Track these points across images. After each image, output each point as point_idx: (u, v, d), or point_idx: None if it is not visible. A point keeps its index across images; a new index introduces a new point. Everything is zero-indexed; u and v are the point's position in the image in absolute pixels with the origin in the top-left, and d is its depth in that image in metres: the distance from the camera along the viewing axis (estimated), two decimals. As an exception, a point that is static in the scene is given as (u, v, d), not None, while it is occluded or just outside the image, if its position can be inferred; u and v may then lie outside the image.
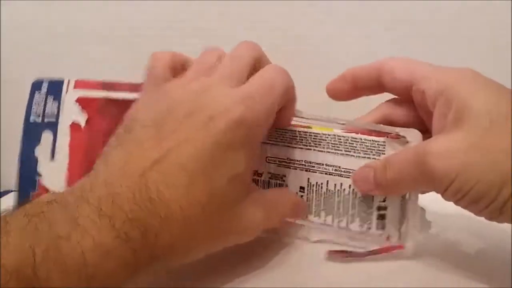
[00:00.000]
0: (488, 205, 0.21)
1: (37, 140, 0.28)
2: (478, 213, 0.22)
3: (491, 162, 0.20)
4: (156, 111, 0.22)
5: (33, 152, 0.28)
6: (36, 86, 0.28)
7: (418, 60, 0.25)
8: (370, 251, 0.25)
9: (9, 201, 0.34)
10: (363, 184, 0.25)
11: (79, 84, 0.28)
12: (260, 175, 0.27)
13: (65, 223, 0.17)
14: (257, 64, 0.24)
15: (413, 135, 0.25)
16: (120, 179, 0.19)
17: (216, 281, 0.23)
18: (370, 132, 0.26)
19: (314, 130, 0.26)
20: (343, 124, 0.26)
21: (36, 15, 0.40)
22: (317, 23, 0.39)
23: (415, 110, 0.26)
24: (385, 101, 0.27)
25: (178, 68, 0.24)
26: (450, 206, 0.22)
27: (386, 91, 0.27)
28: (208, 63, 0.24)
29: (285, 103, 0.24)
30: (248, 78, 0.23)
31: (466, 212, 0.22)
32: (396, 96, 0.27)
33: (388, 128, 0.25)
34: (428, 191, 0.24)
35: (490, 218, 0.21)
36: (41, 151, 0.27)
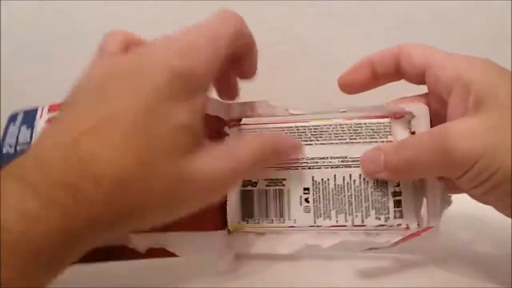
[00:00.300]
0: (500, 198, 0.20)
1: None
2: (495, 201, 0.21)
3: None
4: (98, 75, 0.21)
5: None
6: (12, 118, 0.28)
7: (435, 47, 0.25)
8: (395, 242, 0.24)
9: None
10: (372, 166, 0.24)
11: (53, 108, 0.27)
12: (255, 184, 0.26)
13: None
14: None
15: (419, 109, 0.24)
16: (51, 148, 0.18)
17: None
18: (373, 115, 0.25)
19: (313, 123, 0.25)
20: (344, 111, 0.25)
21: (36, 15, 0.40)
22: (317, 23, 0.39)
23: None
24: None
25: (132, 46, 0.23)
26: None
27: (404, 78, 0.26)
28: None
29: (242, 51, 0.23)
30: None
31: (465, 212, 0.22)
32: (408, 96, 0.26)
33: (392, 106, 0.25)
34: (440, 175, 0.23)
35: (502, 210, 0.21)
36: None
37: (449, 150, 0.21)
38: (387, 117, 0.25)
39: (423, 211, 0.24)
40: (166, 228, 0.23)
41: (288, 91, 0.38)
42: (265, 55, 0.38)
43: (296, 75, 0.40)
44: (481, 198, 0.22)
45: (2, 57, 0.38)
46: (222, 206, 0.26)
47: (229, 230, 0.26)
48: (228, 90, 0.26)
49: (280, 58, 0.39)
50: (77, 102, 0.20)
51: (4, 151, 0.27)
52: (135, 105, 0.19)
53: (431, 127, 0.24)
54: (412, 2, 0.39)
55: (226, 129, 0.27)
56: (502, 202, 0.21)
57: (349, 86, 0.26)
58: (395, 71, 0.25)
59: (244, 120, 0.27)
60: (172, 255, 0.24)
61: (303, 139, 0.26)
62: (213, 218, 0.26)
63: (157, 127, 0.19)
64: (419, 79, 0.25)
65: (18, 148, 0.27)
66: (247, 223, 0.26)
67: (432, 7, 0.39)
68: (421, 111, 0.24)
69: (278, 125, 0.26)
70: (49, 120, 0.27)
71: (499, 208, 0.21)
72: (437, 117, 0.24)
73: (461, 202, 0.24)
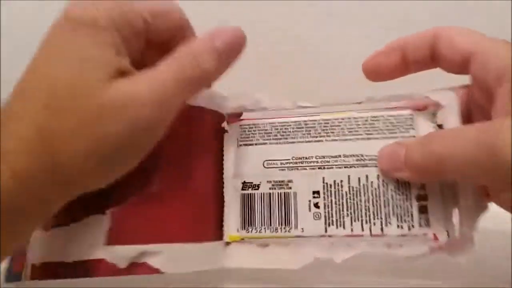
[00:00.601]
0: None
1: None
2: None
3: None
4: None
5: None
6: None
7: (481, 32, 0.21)
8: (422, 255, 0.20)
9: None
10: (390, 162, 0.20)
11: None
12: (257, 187, 0.22)
13: None
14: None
15: (447, 98, 0.21)
16: None
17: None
18: (392, 107, 0.22)
19: (324, 116, 0.22)
20: (359, 103, 0.22)
21: (36, 15, 0.39)
22: (317, 23, 0.39)
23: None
24: None
25: None
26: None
27: (440, 66, 0.22)
28: None
29: (174, 32, 0.21)
30: None
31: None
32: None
33: (414, 95, 0.21)
34: (477, 182, 0.19)
35: None
36: None
37: (499, 155, 0.16)
38: (408, 108, 0.22)
39: (455, 218, 0.20)
40: (149, 239, 0.20)
41: (288, 91, 0.37)
42: (265, 55, 0.37)
43: (296, 75, 0.39)
44: None
45: (2, 57, 0.38)
46: (218, 212, 0.22)
47: (227, 241, 0.23)
48: None
49: (280, 58, 0.39)
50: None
51: None
52: (40, 48, 0.19)
53: (471, 122, 0.20)
54: (412, 2, 0.38)
55: (224, 125, 0.23)
56: None
57: (375, 72, 0.23)
58: (430, 57, 0.22)
59: (244, 115, 0.23)
60: (155, 271, 0.20)
61: (312, 135, 0.22)
62: (206, 227, 0.22)
63: (59, 63, 0.18)
64: (460, 68, 0.21)
65: None
66: (247, 232, 0.22)
67: (432, 7, 0.38)
68: (450, 101, 0.21)
69: (283, 120, 0.23)
70: None
71: None
72: (481, 113, 0.20)
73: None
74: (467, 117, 0.21)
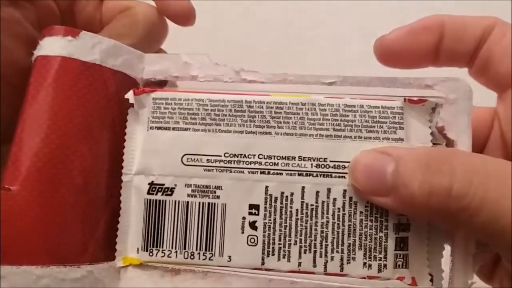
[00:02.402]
0: None
1: None
2: None
3: None
4: None
5: None
6: None
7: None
8: None
9: None
10: (370, 180, 0.14)
11: None
12: (170, 191, 0.15)
13: None
14: None
15: (459, 89, 0.15)
16: None
17: None
18: (375, 95, 0.15)
19: (275, 98, 0.15)
20: (331, 83, 0.16)
21: None
22: (317, 23, 0.39)
23: None
24: None
25: None
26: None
27: (478, 70, 0.16)
28: None
29: None
30: None
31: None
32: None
33: (411, 81, 0.15)
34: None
35: None
36: None
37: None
38: (399, 98, 0.15)
39: (445, 260, 0.15)
40: None
41: None
42: (265, 55, 0.38)
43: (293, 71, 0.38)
44: None
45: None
46: (109, 223, 0.15)
47: (121, 265, 0.16)
48: None
49: (280, 58, 0.39)
50: None
51: None
52: None
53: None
54: (412, 2, 0.38)
55: (129, 96, 0.16)
56: None
57: (392, 56, 0.16)
58: (471, 55, 0.16)
59: (166, 87, 0.16)
60: None
61: (257, 123, 0.15)
62: (86, 244, 0.15)
63: None
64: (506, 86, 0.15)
65: None
66: (150, 255, 0.15)
67: (432, 7, 0.37)
68: (461, 96, 0.15)
69: (217, 97, 0.16)
70: None
71: None
72: None
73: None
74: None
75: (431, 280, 0.15)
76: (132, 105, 0.16)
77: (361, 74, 0.16)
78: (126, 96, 0.16)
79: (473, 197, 0.12)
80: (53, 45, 0.15)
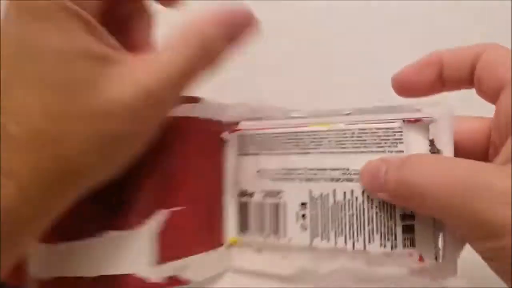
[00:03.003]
0: None
1: None
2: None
3: None
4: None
5: None
6: None
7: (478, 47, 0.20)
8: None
9: None
10: (370, 181, 0.19)
11: None
12: (251, 195, 0.23)
13: None
14: None
15: (441, 111, 0.19)
16: None
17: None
18: (381, 119, 0.20)
19: (311, 128, 0.22)
20: (348, 114, 0.21)
21: None
22: (317, 23, 0.39)
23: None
24: None
25: None
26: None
27: (477, 88, 0.20)
28: None
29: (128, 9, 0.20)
30: None
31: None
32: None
33: (406, 107, 0.20)
34: (454, 226, 0.18)
35: None
36: None
37: (475, 205, 0.15)
38: (398, 120, 0.20)
39: (440, 242, 0.19)
40: (187, 251, 0.22)
41: (288, 91, 0.37)
42: (265, 55, 0.37)
43: (296, 75, 0.39)
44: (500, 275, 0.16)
45: None
46: (221, 219, 0.24)
47: (228, 244, 0.24)
48: None
49: (280, 58, 0.39)
50: None
51: None
52: (8, 27, 0.16)
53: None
54: (412, 2, 0.38)
55: (225, 135, 0.25)
56: None
57: (407, 89, 0.21)
58: (467, 78, 0.20)
59: (241, 125, 0.24)
60: (186, 282, 0.22)
61: (301, 147, 0.22)
62: (215, 234, 0.24)
63: (37, 52, 0.16)
64: (495, 98, 0.19)
65: None
66: (243, 238, 0.24)
67: (432, 7, 0.38)
68: (443, 115, 0.19)
69: (276, 131, 0.23)
70: None
71: None
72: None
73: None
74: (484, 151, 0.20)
75: (435, 257, 0.19)
76: (226, 140, 0.24)
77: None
78: (223, 136, 0.24)
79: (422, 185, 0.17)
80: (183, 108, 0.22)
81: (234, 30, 0.18)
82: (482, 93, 0.20)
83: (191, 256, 0.22)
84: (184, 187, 0.22)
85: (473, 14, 0.38)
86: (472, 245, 0.17)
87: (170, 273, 0.21)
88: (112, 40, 0.17)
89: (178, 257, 0.21)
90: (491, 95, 0.19)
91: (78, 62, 0.16)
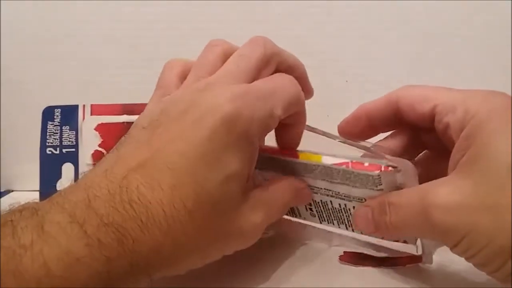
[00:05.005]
0: (496, 270, 0.19)
1: (57, 173, 0.26)
2: (488, 274, 0.20)
3: (503, 226, 0.18)
4: (154, 113, 0.21)
5: (55, 186, 0.26)
6: (48, 115, 0.27)
7: (439, 87, 0.22)
8: (386, 258, 0.26)
9: (9, 201, 0.34)
10: (364, 224, 0.24)
11: (96, 110, 0.26)
12: None
13: (30, 230, 0.16)
14: (272, 61, 0.23)
15: (404, 164, 0.22)
16: (102, 182, 0.18)
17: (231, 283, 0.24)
18: (361, 166, 0.23)
19: (302, 160, 0.24)
20: (338, 140, 0.25)
21: (36, 15, 0.38)
22: (317, 24, 0.39)
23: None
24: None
25: (187, 73, 0.23)
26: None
27: (406, 125, 0.24)
28: (209, 63, 0.22)
29: (292, 119, 0.23)
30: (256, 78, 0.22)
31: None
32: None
33: (379, 156, 0.23)
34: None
35: (501, 282, 0.20)
36: (64, 185, 0.25)
37: (435, 223, 0.20)
38: (375, 169, 0.23)
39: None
40: None
41: None
42: None
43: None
44: (480, 268, 0.20)
45: (2, 57, 0.38)
46: None
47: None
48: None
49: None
50: (131, 137, 0.20)
51: (47, 151, 0.27)
52: (188, 149, 0.18)
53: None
54: (412, 2, 0.38)
55: None
56: (494, 277, 0.20)
57: (349, 135, 0.25)
58: (394, 120, 0.23)
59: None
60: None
61: (295, 172, 0.25)
62: None
63: (208, 176, 0.18)
64: (426, 125, 0.23)
65: (64, 151, 0.27)
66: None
67: (432, 7, 0.38)
68: (406, 168, 0.22)
69: (274, 156, 0.26)
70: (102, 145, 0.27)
71: (498, 279, 0.20)
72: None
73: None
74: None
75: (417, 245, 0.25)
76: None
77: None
78: None
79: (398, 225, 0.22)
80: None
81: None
82: (413, 125, 0.24)
83: None
84: None
85: (473, 17, 0.38)
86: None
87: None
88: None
89: None
90: (421, 125, 0.23)
91: (235, 186, 0.19)
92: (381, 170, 0.23)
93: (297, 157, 0.25)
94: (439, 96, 0.22)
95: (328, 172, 0.24)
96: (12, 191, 0.40)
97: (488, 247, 0.19)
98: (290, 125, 0.24)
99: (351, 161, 0.23)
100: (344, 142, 0.25)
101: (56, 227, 0.16)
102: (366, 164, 0.23)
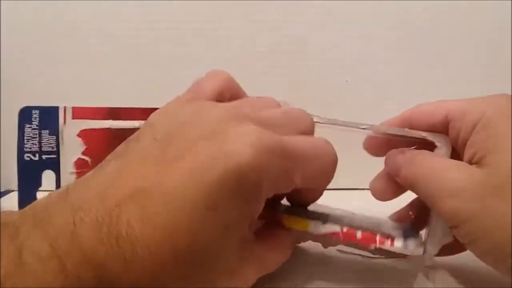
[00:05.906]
0: (497, 261, 0.19)
1: (37, 181, 0.24)
2: (489, 265, 0.20)
3: (502, 220, 0.18)
4: (173, 124, 0.19)
5: (35, 195, 0.24)
6: (26, 116, 0.23)
7: (448, 99, 0.22)
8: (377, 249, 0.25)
9: (9, 201, 0.34)
10: (392, 165, 0.23)
11: (78, 113, 0.24)
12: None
13: (8, 257, 0.15)
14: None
15: (442, 140, 0.23)
16: (92, 204, 0.16)
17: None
18: (355, 232, 0.22)
19: (297, 227, 0.23)
20: (364, 128, 0.23)
21: (36, 15, 0.38)
22: (316, 24, 0.39)
23: None
24: None
25: (226, 95, 0.22)
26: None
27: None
28: (263, 105, 0.22)
29: (315, 184, 0.22)
30: None
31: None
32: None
33: (413, 132, 0.23)
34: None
35: (502, 273, 0.19)
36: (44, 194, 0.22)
37: (437, 201, 0.20)
38: (370, 242, 0.22)
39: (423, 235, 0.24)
40: None
41: (288, 91, 0.38)
42: (265, 55, 0.38)
43: (295, 75, 0.40)
44: (481, 258, 0.20)
45: (2, 57, 0.38)
46: None
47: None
48: None
49: (280, 58, 0.39)
50: (139, 148, 0.18)
51: (25, 157, 0.24)
52: (193, 188, 0.16)
53: None
54: (412, 2, 0.38)
55: None
56: (493, 267, 0.20)
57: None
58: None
59: None
60: None
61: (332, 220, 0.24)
62: None
63: (206, 222, 0.16)
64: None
65: (43, 157, 0.24)
66: None
67: (432, 7, 0.38)
68: (443, 142, 0.23)
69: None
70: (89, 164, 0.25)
71: (498, 270, 0.20)
72: None
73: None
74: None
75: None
76: None
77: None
78: None
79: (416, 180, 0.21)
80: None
81: None
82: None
83: None
84: None
85: (473, 17, 0.38)
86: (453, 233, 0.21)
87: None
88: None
89: None
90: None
91: (231, 240, 0.18)
92: (376, 246, 0.22)
93: (282, 222, 0.22)
94: (450, 105, 0.22)
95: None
96: (12, 191, 0.39)
97: (482, 240, 0.19)
98: (309, 189, 0.22)
99: (342, 231, 0.22)
100: (370, 129, 0.24)
101: (34, 258, 0.15)
102: (359, 235, 0.22)
